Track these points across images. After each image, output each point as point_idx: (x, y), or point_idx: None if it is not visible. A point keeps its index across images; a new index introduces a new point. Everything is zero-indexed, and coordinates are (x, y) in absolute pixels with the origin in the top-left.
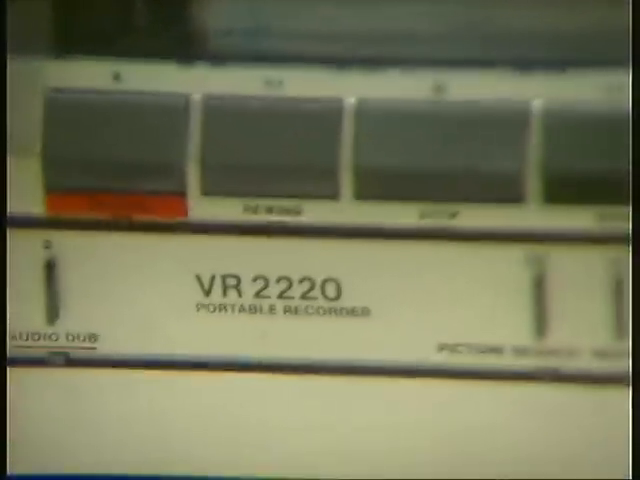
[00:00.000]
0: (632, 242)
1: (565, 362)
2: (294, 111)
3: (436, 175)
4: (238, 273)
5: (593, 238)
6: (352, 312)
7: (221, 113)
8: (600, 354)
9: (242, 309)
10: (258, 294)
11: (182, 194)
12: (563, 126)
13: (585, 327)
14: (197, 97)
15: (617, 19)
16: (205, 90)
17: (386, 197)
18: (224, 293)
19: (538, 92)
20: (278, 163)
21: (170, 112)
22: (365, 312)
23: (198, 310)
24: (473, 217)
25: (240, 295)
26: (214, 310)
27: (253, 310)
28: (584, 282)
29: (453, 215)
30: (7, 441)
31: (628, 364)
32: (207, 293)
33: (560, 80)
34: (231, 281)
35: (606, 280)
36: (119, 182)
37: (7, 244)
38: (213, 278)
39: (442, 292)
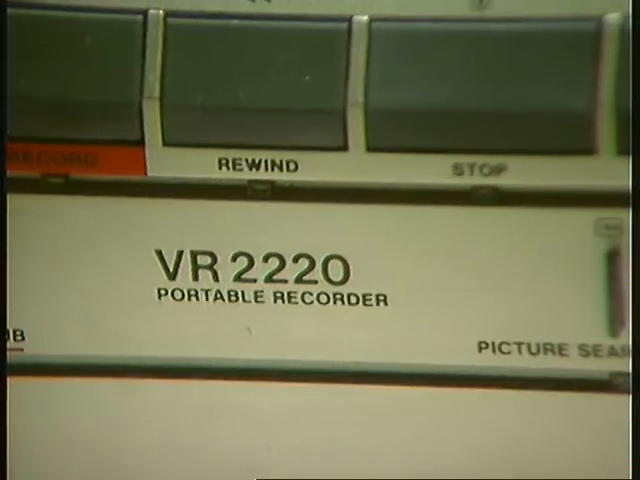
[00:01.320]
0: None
1: None
2: (285, 33)
3: (475, 118)
4: (213, 249)
5: None
6: (364, 300)
7: (188, 34)
8: None
9: (219, 296)
10: (240, 277)
11: (137, 143)
12: None
13: None
14: (156, 13)
15: None
16: (167, 4)
17: (408, 147)
18: (195, 276)
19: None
20: (264, 103)
21: (121, 32)
22: (381, 300)
23: (160, 298)
24: (525, 173)
25: (216, 278)
26: (181, 298)
27: (233, 298)
28: None
29: (498, 171)
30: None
31: None
32: (172, 276)
33: None
34: (204, 260)
35: None
36: (51, 128)
37: (7, 244)
38: (180, 255)
39: (483, 273)
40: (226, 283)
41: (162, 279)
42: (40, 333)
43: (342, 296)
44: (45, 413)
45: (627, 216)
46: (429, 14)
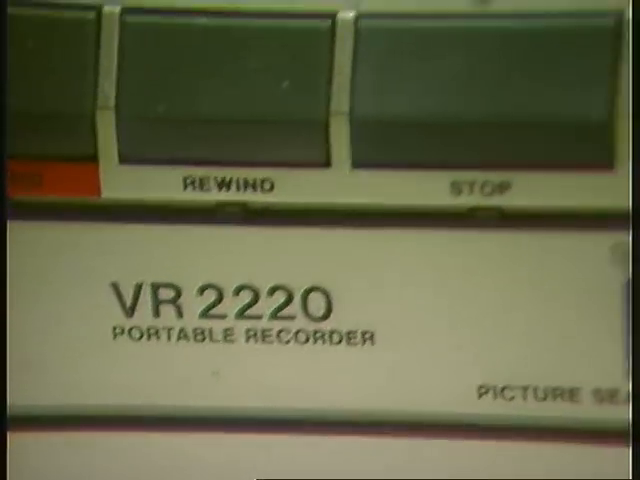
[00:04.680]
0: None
1: None
2: (259, 32)
3: (476, 129)
4: (177, 281)
5: None
6: (348, 338)
7: (149, 34)
8: None
9: (183, 335)
10: (207, 313)
11: (89, 160)
12: None
13: None
14: (112, 10)
15: None
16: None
17: (399, 163)
18: (155, 312)
19: None
20: (235, 113)
21: (70, 32)
22: (367, 338)
23: (115, 337)
24: (532, 192)
25: (180, 315)
26: (140, 337)
27: (200, 337)
28: None
29: (502, 189)
30: None
31: None
32: (130, 312)
33: None
34: (166, 293)
35: None
36: None
37: (7, 245)
38: (139, 289)
39: (484, 306)
40: (191, 320)
41: (118, 316)
42: None
43: (323, 334)
44: None
45: None
46: (424, 10)
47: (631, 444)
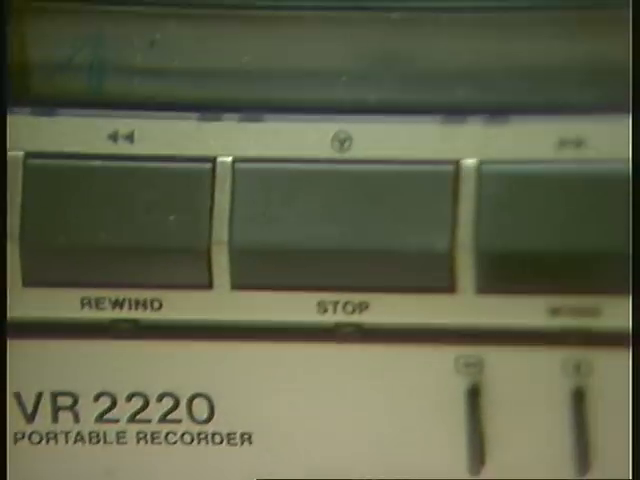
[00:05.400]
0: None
1: None
2: (149, 174)
3: (338, 256)
4: (74, 390)
5: (543, 336)
6: (228, 439)
7: (49, 175)
8: None
9: (80, 438)
10: (102, 417)
11: None
12: (503, 191)
13: (533, 455)
14: (16, 155)
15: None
16: (28, 145)
17: (273, 285)
18: (54, 417)
19: (470, 148)
20: (127, 242)
21: None
22: (245, 439)
23: (17, 442)
24: (387, 311)
25: (77, 419)
26: (39, 441)
27: (95, 439)
28: (531, 393)
29: (362, 308)
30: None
31: None
32: (30, 418)
33: (499, 132)
34: (64, 400)
35: (562, 390)
36: None
37: (7, 243)
38: (39, 397)
39: (347, 409)
40: (87, 424)
41: (20, 421)
42: None
43: (206, 435)
44: None
45: (486, 353)
46: (292, 155)
47: (631, 446)
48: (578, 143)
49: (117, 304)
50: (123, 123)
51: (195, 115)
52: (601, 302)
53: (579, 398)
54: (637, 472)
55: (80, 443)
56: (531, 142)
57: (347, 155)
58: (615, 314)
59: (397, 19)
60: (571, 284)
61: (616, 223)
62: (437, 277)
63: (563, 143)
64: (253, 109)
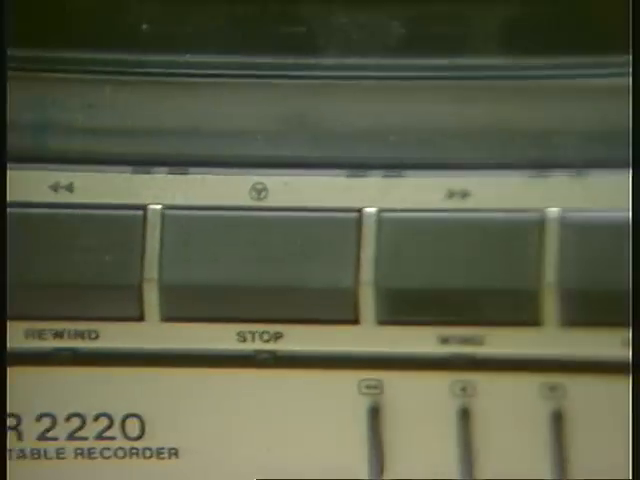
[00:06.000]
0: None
1: None
2: (87, 217)
3: (256, 292)
4: (18, 411)
5: (434, 361)
6: (158, 454)
7: None
8: None
9: (22, 455)
10: (43, 436)
11: None
12: (399, 235)
13: (426, 465)
14: None
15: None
16: None
17: (198, 317)
18: None
19: (371, 197)
20: (67, 278)
21: None
22: (172, 453)
23: None
24: (299, 340)
25: (20, 438)
26: None
27: (36, 455)
28: (424, 411)
29: (276, 337)
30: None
31: None
32: None
33: (395, 184)
34: (10, 421)
35: (451, 409)
36: None
37: (7, 245)
38: None
39: (265, 427)
40: (29, 442)
41: None
42: None
43: (138, 450)
44: None
45: (385, 377)
46: (215, 204)
47: (632, 445)
48: (464, 194)
49: (58, 335)
50: (64, 176)
51: (128, 169)
52: (483, 332)
53: (465, 416)
54: (637, 472)
55: (23, 459)
56: (423, 193)
57: (263, 203)
58: (496, 343)
59: (307, 85)
60: (458, 316)
61: (496, 263)
62: (342, 310)
63: (451, 194)
64: (180, 163)
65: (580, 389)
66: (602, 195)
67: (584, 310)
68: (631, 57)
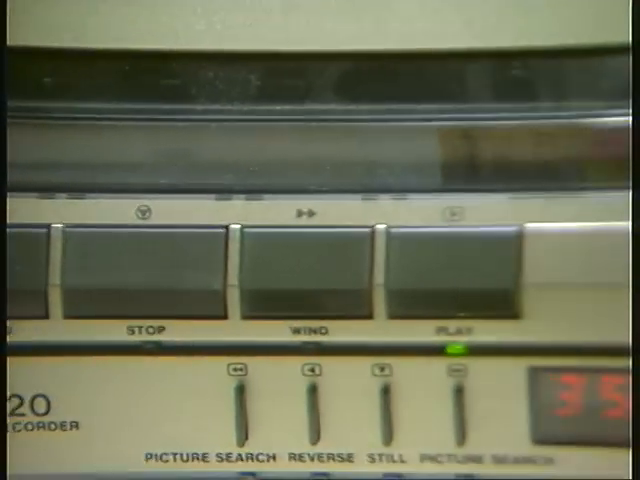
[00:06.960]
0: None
1: (266, 467)
2: (11, 237)
3: (142, 293)
4: None
5: (288, 348)
6: (61, 426)
7: None
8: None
9: None
10: None
11: None
12: (259, 247)
13: (285, 432)
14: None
15: None
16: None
17: (94, 314)
18: None
19: (236, 216)
20: None
21: None
22: (74, 426)
23: None
24: (179, 332)
25: None
26: None
27: None
28: (281, 388)
29: (160, 330)
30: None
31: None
32: None
33: (255, 206)
34: None
35: (302, 385)
36: None
37: (6, 247)
38: None
39: (152, 404)
40: None
41: None
42: None
43: (44, 424)
44: None
45: (250, 361)
46: (107, 222)
47: (631, 445)
48: (310, 214)
49: None
50: None
51: (34, 194)
52: (327, 324)
53: (313, 391)
54: (637, 472)
55: None
56: (278, 212)
57: (147, 222)
58: (337, 332)
59: (182, 127)
60: (307, 312)
61: (336, 268)
62: (214, 308)
63: (300, 214)
64: (78, 189)
65: (404, 368)
66: (419, 214)
67: (406, 305)
68: (631, 60)
